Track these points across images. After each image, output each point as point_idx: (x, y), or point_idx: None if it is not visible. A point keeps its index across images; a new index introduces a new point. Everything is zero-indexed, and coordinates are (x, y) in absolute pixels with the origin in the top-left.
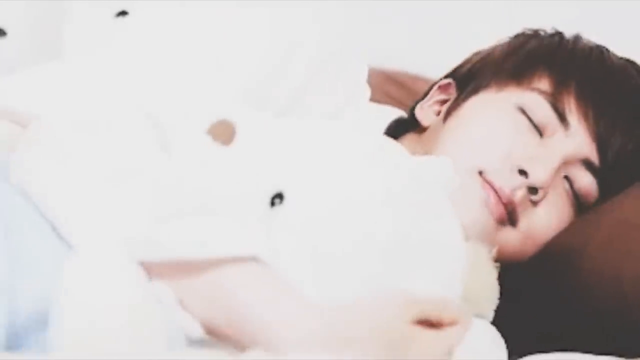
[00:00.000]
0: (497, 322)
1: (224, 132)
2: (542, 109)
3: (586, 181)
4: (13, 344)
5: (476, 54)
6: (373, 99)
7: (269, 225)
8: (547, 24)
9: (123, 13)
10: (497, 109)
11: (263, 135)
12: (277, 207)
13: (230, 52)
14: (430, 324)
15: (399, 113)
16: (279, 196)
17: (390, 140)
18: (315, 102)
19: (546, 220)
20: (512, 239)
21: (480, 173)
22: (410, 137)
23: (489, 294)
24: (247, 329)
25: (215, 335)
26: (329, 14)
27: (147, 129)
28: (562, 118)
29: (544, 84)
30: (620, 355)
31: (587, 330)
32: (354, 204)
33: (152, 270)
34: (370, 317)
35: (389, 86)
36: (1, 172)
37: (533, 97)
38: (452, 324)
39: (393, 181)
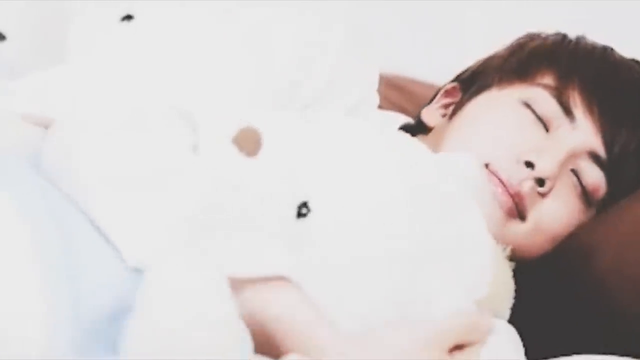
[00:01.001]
0: (514, 321)
1: (249, 142)
2: (547, 103)
3: (594, 174)
4: (77, 355)
5: (480, 59)
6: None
7: (296, 238)
8: (549, 27)
9: (128, 17)
10: (502, 105)
11: (288, 142)
12: (303, 218)
13: (256, 52)
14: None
15: (404, 119)
16: (305, 205)
17: (413, 139)
18: (331, 105)
19: (555, 212)
20: (522, 232)
21: (487, 166)
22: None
23: (505, 292)
24: (265, 350)
25: None
26: (350, 17)
27: (180, 129)
28: (568, 111)
29: (548, 79)
30: (638, 357)
31: (604, 330)
32: (379, 211)
33: None
34: (402, 350)
35: (389, 91)
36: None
37: (538, 92)
38: (477, 342)
39: (419, 183)
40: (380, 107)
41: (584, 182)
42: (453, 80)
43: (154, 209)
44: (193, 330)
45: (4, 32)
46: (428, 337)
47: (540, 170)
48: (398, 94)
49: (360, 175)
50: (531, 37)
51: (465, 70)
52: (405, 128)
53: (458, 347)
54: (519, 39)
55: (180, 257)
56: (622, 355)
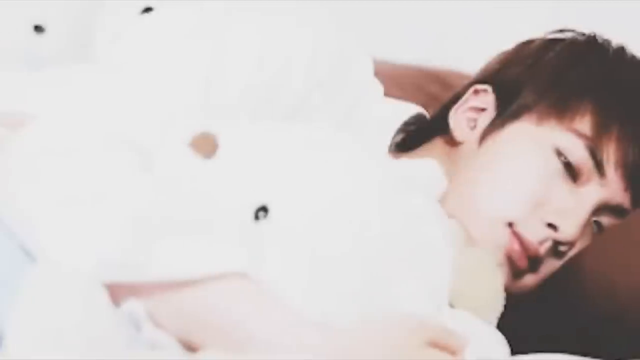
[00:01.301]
0: (498, 326)
1: (205, 145)
2: (579, 154)
3: (613, 222)
4: None
5: (512, 53)
6: (411, 96)
7: (254, 239)
8: (562, 18)
9: (148, 10)
10: (533, 149)
11: (245, 147)
12: (261, 221)
13: (226, 58)
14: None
15: (414, 109)
16: (263, 209)
17: (374, 148)
18: (322, 104)
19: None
20: (529, 282)
21: (510, 225)
22: (439, 145)
23: (493, 299)
24: (232, 344)
25: (195, 351)
26: (322, 15)
27: (124, 149)
28: (599, 166)
29: (586, 123)
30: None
31: (584, 335)
32: (340, 212)
33: (126, 287)
34: (380, 341)
35: (433, 86)
36: None
37: (572, 140)
38: (456, 352)
39: (379, 186)
40: (426, 105)
41: (603, 229)
42: (482, 79)
43: (92, 219)
44: (54, 333)
45: (43, 25)
46: (404, 329)
47: (562, 234)
48: (440, 88)
49: (321, 180)
50: (576, 53)
51: (500, 71)
52: (422, 121)
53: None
54: (564, 49)
55: (50, 266)
56: (598, 357)
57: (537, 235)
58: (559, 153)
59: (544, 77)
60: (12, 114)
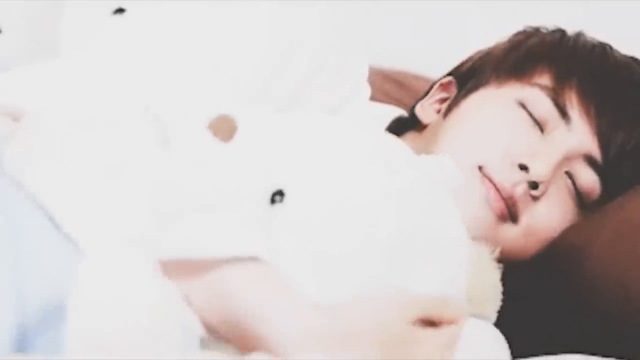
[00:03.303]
0: (501, 323)
1: (224, 128)
2: (542, 104)
3: (588, 177)
4: (22, 344)
5: (477, 52)
6: (372, 98)
7: (269, 223)
8: (548, 23)
9: (120, 10)
10: (497, 105)
11: (264, 131)
12: (277, 205)
13: (231, 48)
14: (430, 322)
15: (398, 112)
16: (280, 193)
17: (394, 138)
18: (316, 98)
19: (548, 216)
20: (514, 235)
21: (480, 169)
22: (410, 136)
23: (492, 294)
24: (246, 328)
25: (214, 335)
26: (329, 10)
27: (146, 125)
28: (563, 113)
29: (545, 79)
30: (623, 358)
31: (591, 332)
32: (356, 202)
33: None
34: (370, 316)
35: (387, 85)
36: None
37: (534, 92)
38: (452, 322)
39: (396, 179)
40: (378, 101)
41: (578, 185)
42: (449, 74)
43: (114, 196)
44: (126, 320)
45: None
46: (394, 304)
47: (534, 174)
48: (397, 88)
49: (338, 166)
50: (529, 34)
51: (462, 65)
52: (399, 122)
53: (432, 324)
54: (517, 34)
55: (108, 247)
56: (607, 356)
57: (509, 178)
58: (523, 106)
59: (498, 54)
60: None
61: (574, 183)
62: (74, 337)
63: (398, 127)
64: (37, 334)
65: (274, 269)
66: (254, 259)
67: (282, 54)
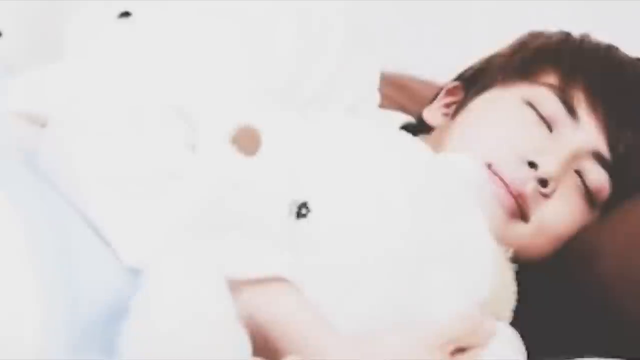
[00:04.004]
0: (517, 324)
1: (248, 141)
2: (550, 103)
3: (597, 175)
4: (77, 349)
5: (483, 58)
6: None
7: (295, 239)
8: (552, 27)
9: (126, 14)
10: (505, 104)
11: (288, 142)
12: (302, 219)
13: (257, 46)
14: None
15: (406, 118)
16: (305, 206)
17: (414, 139)
18: (333, 101)
19: (558, 213)
20: (524, 233)
21: (489, 166)
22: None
23: (506, 295)
24: (272, 349)
25: None
26: (351, 11)
27: (177, 128)
28: (571, 111)
29: (552, 78)
30: None
31: (607, 334)
32: (379, 213)
33: None
34: (402, 351)
35: (390, 89)
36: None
37: (541, 91)
38: (479, 345)
39: (420, 184)
40: (381, 106)
41: (587, 183)
42: (455, 79)
43: (152, 209)
44: (190, 331)
45: (0, 29)
46: (429, 339)
47: (543, 171)
48: (399, 93)
49: (361, 176)
50: (535, 36)
51: (468, 69)
52: (407, 127)
53: (460, 350)
54: (523, 37)
55: (178, 257)
56: (622, 357)
57: (518, 175)
58: (530, 104)
59: (504, 56)
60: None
61: (583, 181)
62: (132, 343)
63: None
64: (87, 346)
65: (299, 289)
66: (279, 279)
67: (309, 52)
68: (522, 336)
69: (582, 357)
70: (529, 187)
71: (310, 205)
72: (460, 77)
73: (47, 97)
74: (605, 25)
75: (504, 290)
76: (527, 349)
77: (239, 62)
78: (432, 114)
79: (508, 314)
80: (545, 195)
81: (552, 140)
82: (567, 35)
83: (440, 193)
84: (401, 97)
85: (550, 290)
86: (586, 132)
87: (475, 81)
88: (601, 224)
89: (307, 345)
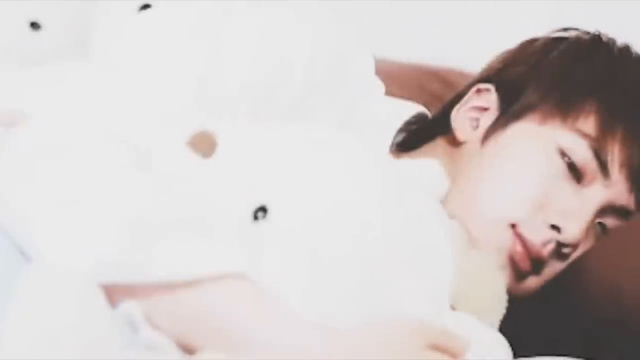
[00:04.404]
0: (501, 328)
1: (204, 144)
2: (583, 154)
3: (617, 224)
4: None
5: (516, 52)
6: (413, 96)
7: (253, 240)
8: (568, 16)
9: (146, 6)
10: (537, 148)
11: (245, 146)
12: (260, 221)
13: (225, 55)
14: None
15: (415, 108)
16: (262, 209)
17: (375, 147)
18: (321, 103)
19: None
20: (532, 284)
21: (513, 227)
22: (441, 145)
23: (496, 302)
24: (230, 346)
25: (193, 353)
26: (322, 12)
27: (121, 148)
28: (604, 167)
29: (590, 123)
30: None
31: (588, 339)
32: (341, 212)
33: (123, 288)
34: (380, 343)
35: (435, 85)
36: None
37: (576, 140)
38: (457, 355)
39: (380, 186)
40: (427, 103)
41: (606, 233)
42: (486, 79)
43: (88, 220)
44: (48, 334)
45: (39, 22)
46: (406, 330)
47: (566, 236)
48: (447, 89)
49: (323, 178)
50: (579, 53)
51: (503, 70)
52: (424, 120)
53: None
54: (568, 47)
55: (44, 267)
56: None
57: (540, 237)
58: (563, 153)
59: (547, 76)
60: (6, 112)
61: (604, 232)
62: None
63: (427, 128)
64: None
65: (259, 285)
66: (236, 276)
67: (280, 61)
68: (510, 341)
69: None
70: (549, 248)
71: (270, 208)
72: (494, 79)
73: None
74: (611, 22)
75: (493, 297)
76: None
77: (200, 74)
78: (460, 120)
79: (496, 320)
80: (564, 256)
81: (579, 197)
82: (610, 57)
83: (403, 195)
84: (447, 92)
85: (533, 296)
86: (616, 190)
87: (511, 96)
88: None
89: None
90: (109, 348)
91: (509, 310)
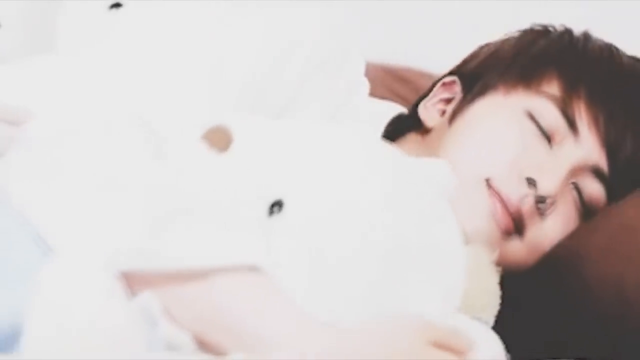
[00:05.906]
0: (498, 328)
1: (220, 139)
2: (551, 115)
3: (595, 189)
4: None
5: (482, 47)
6: (377, 95)
7: (268, 233)
8: (552, 19)
9: (117, 5)
10: (505, 115)
11: (260, 141)
12: (275, 215)
13: (225, 53)
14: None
15: (398, 109)
16: (278, 204)
17: (387, 143)
18: (313, 101)
19: (553, 230)
20: (518, 249)
21: (488, 182)
22: (412, 138)
23: (490, 298)
24: (241, 341)
25: (206, 346)
26: (326, 11)
27: (141, 135)
28: (572, 125)
29: (554, 87)
30: None
31: (589, 336)
32: (353, 210)
33: (140, 279)
34: (386, 341)
35: (393, 82)
36: None
37: (542, 103)
38: (461, 353)
39: (392, 185)
40: (384, 98)
41: (584, 197)
42: (452, 73)
43: (105, 209)
44: (74, 326)
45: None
46: (410, 328)
47: (542, 189)
48: (405, 87)
49: (337, 175)
50: (537, 34)
51: (465, 63)
52: (399, 120)
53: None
54: (525, 32)
55: (66, 259)
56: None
57: (516, 192)
58: (531, 116)
59: (506, 57)
60: (9, 109)
61: (580, 195)
62: (31, 343)
63: (399, 127)
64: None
65: (272, 279)
66: (250, 268)
67: (277, 59)
68: (503, 339)
69: (562, 358)
70: (527, 204)
71: (285, 203)
72: (457, 72)
73: (18, 92)
74: (604, 21)
75: (487, 293)
76: (508, 351)
77: (209, 67)
78: (428, 111)
79: (491, 318)
80: (542, 212)
81: (552, 156)
82: (569, 36)
83: (415, 198)
84: (404, 89)
85: (530, 293)
86: (587, 148)
87: (474, 80)
88: (581, 226)
89: (254, 334)
90: (131, 344)
91: (509, 308)
